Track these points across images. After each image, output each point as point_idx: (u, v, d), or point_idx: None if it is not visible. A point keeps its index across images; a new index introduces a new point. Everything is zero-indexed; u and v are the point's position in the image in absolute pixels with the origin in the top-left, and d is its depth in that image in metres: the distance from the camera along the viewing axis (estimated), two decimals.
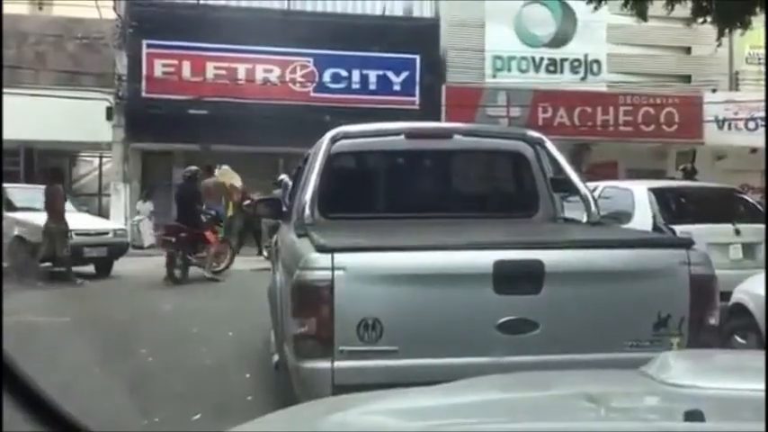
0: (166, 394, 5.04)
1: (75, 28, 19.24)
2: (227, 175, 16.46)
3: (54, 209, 11.39)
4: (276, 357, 4.34)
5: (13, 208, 12.44)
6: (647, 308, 3.29)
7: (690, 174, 12.04)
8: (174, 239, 11.65)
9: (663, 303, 3.29)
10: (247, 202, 14.01)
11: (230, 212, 16.37)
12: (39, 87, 17.56)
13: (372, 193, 5.18)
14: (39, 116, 17.09)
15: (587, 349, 3.18)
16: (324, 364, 3.13)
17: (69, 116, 17.14)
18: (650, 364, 1.50)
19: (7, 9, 20.26)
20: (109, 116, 17.81)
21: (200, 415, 4.52)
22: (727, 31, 9.87)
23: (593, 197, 4.53)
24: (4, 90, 16.92)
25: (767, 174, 7.74)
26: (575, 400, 1.39)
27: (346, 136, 4.63)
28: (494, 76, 19.70)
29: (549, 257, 3.25)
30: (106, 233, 12.50)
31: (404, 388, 1.63)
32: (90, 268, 12.39)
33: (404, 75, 19.22)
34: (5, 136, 17.62)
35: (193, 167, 12.65)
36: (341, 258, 3.16)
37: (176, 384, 5.33)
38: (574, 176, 4.57)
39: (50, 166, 14.85)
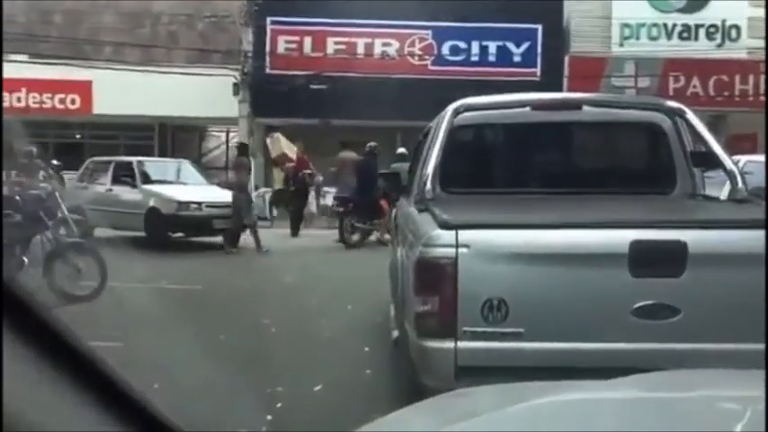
0: (288, 364, 5.14)
1: (205, 7, 20.01)
2: (278, 144, 16.41)
3: (239, 180, 12.42)
4: (396, 333, 4.30)
5: (148, 180, 13.12)
6: None
7: None
8: (343, 209, 12.74)
9: None
10: (308, 171, 14.18)
11: (279, 185, 16.51)
12: (171, 65, 18.44)
13: (496, 168, 5.02)
14: (171, 93, 18.01)
15: (734, 339, 2.93)
16: (446, 344, 3.05)
17: (199, 92, 17.94)
18: None
19: None
20: (235, 92, 18.47)
21: (321, 386, 4.57)
22: None
23: (741, 172, 4.15)
24: (141, 68, 18.00)
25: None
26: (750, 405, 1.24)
27: (469, 108, 4.47)
28: (621, 45, 18.81)
29: (693, 238, 2.99)
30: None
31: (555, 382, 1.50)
32: (219, 239, 12.91)
33: (525, 45, 18.69)
34: (141, 112, 18.81)
35: (373, 143, 13.33)
36: (465, 235, 3.05)
37: (298, 354, 5.43)
38: (718, 150, 4.21)
39: (240, 142, 15.42)
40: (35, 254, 7.28)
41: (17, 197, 7.48)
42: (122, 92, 18.16)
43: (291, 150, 16.36)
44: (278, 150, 16.59)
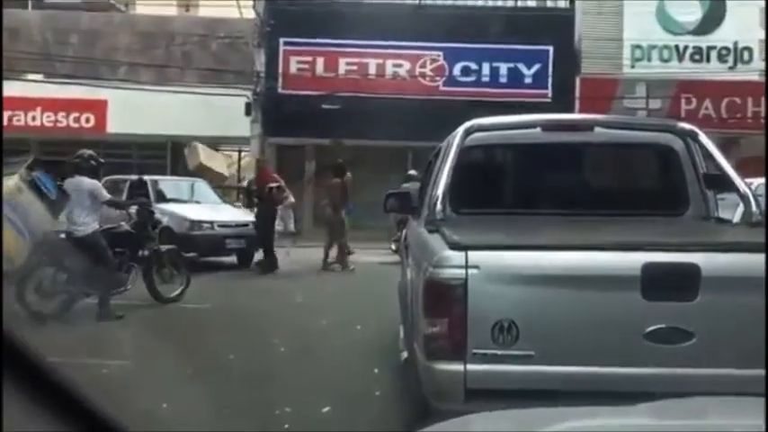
0: (296, 385, 5.11)
1: (218, 28, 20.20)
2: (195, 153, 15.38)
3: (335, 201, 12.61)
4: (405, 354, 4.27)
5: (163, 199, 13.11)
6: None
7: None
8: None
9: None
10: (275, 185, 12.47)
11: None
12: (184, 85, 18.60)
13: (507, 189, 5.00)
14: (184, 112, 18.13)
15: (748, 364, 2.88)
16: (456, 367, 3.01)
17: (211, 112, 18.05)
18: None
19: (157, 11, 21.69)
20: (247, 112, 18.56)
21: (330, 408, 4.53)
22: None
23: (755, 195, 4.11)
24: (155, 88, 18.16)
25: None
26: None
27: (480, 129, 4.46)
28: (632, 67, 18.81)
29: (706, 261, 2.96)
30: (246, 225, 12.89)
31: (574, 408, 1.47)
32: (233, 259, 12.88)
33: (536, 67, 18.72)
34: (154, 131, 18.94)
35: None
36: (475, 256, 3.02)
37: (306, 375, 5.40)
38: (731, 172, 4.17)
39: (336, 162, 13.48)
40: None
41: (120, 210, 8.86)
42: (136, 111, 18.31)
43: (214, 161, 15.26)
44: (195, 161, 15.80)
